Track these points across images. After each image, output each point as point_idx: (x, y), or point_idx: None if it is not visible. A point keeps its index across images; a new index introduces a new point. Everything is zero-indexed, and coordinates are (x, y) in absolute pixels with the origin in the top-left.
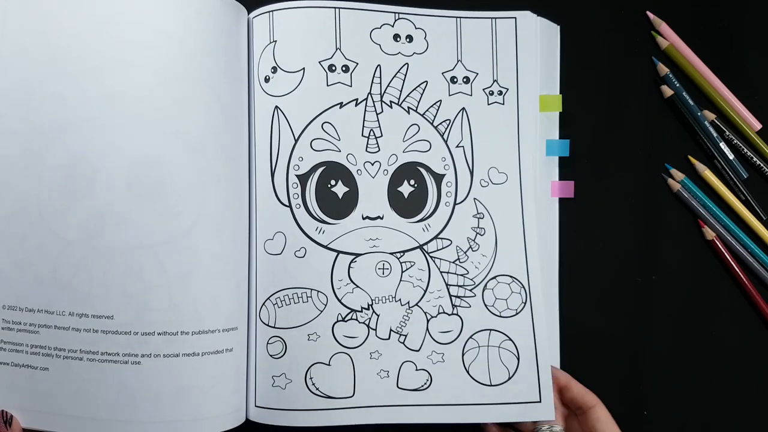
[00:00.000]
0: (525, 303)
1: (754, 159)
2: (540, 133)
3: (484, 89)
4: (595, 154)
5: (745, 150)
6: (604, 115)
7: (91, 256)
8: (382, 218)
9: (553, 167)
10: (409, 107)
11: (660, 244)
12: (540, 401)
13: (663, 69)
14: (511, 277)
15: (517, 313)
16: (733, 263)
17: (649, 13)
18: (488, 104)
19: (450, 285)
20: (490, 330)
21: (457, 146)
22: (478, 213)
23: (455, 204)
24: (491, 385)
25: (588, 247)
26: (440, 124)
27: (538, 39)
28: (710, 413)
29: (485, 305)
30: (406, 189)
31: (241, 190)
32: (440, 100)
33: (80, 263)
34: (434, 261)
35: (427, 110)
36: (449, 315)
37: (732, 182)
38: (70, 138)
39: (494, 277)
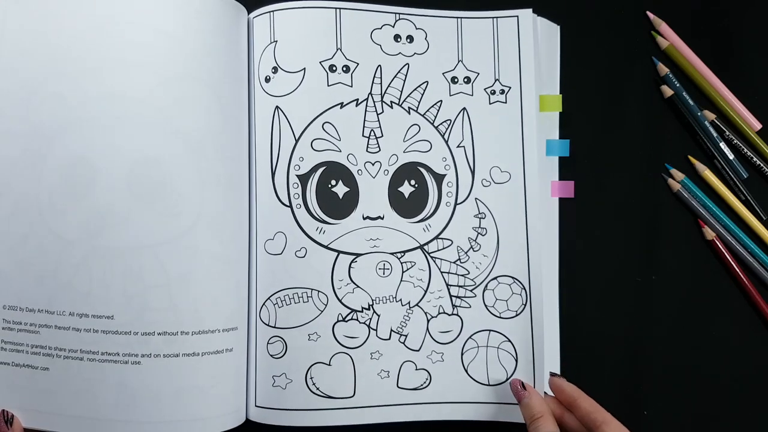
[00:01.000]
0: (525, 304)
1: (754, 159)
2: (540, 133)
3: (485, 89)
4: (595, 154)
5: (745, 150)
6: (604, 115)
7: (91, 256)
8: (382, 218)
9: (553, 167)
10: (409, 107)
11: (660, 244)
12: None
13: (663, 69)
14: (512, 278)
15: (517, 315)
16: (733, 263)
17: (649, 13)
18: (490, 103)
19: (450, 285)
20: (490, 330)
21: (458, 146)
22: (479, 213)
23: (456, 204)
24: (489, 385)
25: (588, 247)
26: (441, 124)
27: (538, 39)
28: (710, 413)
29: (485, 306)
30: (406, 189)
31: (242, 190)
32: (441, 101)
33: (80, 263)
34: (435, 261)
35: (427, 110)
36: (449, 315)
37: (732, 182)
38: (70, 138)
39: (495, 278)
